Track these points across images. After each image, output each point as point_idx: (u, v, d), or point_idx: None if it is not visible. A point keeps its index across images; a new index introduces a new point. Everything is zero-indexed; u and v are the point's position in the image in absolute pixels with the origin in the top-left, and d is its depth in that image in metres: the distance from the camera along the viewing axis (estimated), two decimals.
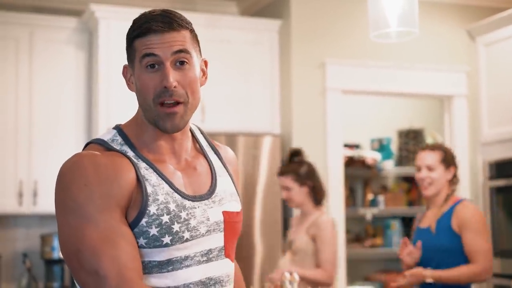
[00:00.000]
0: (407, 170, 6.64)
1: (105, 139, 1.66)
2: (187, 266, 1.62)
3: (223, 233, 1.72)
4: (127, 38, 1.69)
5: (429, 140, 6.70)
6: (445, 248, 3.46)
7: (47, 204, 4.54)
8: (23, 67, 4.67)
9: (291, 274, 3.05)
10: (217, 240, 1.70)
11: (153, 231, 1.58)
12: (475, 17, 5.37)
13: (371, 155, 6.40)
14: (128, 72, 1.72)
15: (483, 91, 5.23)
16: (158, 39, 1.63)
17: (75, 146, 4.62)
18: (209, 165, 1.79)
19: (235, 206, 1.79)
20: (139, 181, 1.59)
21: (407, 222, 6.62)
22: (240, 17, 5.20)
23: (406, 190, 6.69)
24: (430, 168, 3.58)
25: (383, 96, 5.77)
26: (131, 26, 1.69)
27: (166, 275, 1.60)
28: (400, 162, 6.68)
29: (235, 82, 4.89)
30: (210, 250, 1.68)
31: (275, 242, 4.76)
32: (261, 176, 4.77)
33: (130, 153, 1.64)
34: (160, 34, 1.63)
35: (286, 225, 4.86)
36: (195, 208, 1.66)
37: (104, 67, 4.57)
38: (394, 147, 6.73)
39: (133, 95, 1.71)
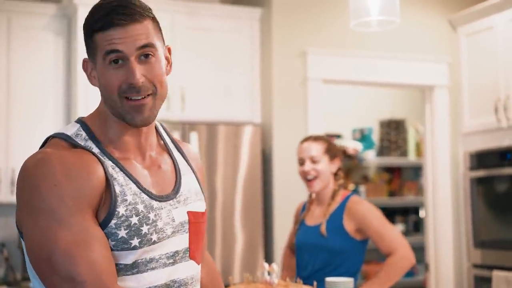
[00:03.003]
0: (388, 160, 6.65)
1: (69, 133, 1.58)
2: (152, 268, 1.57)
3: (188, 234, 1.66)
4: (85, 29, 1.61)
5: (411, 130, 6.72)
6: (336, 250, 3.24)
7: None
8: (1, 53, 4.60)
9: (269, 264, 3.03)
10: (182, 241, 1.65)
11: (122, 233, 1.51)
12: (456, 7, 5.36)
13: (352, 145, 6.40)
14: (89, 66, 1.64)
15: (464, 82, 5.22)
16: (121, 33, 1.55)
17: None
18: (173, 162, 1.73)
19: (200, 206, 1.74)
20: (108, 181, 1.52)
21: (388, 213, 6.63)
22: (220, 5, 5.15)
23: (387, 181, 6.71)
24: (314, 160, 3.31)
25: (365, 86, 5.76)
26: (89, 16, 1.60)
27: (131, 278, 1.54)
28: (381, 152, 6.70)
29: (215, 71, 4.86)
30: (176, 252, 1.63)
31: (256, 231, 4.74)
32: (242, 165, 4.74)
33: (95, 150, 1.56)
34: (122, 28, 1.55)
35: (267, 214, 4.84)
36: (162, 208, 1.60)
37: (82, 54, 4.50)
38: (375, 137, 6.73)
39: None
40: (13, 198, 4.56)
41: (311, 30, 4.98)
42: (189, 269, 1.67)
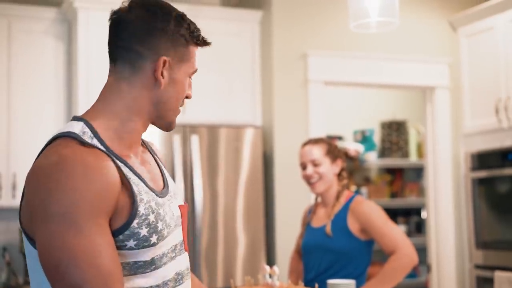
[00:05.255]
0: (390, 161, 6.65)
1: (76, 131, 1.55)
2: (164, 263, 1.59)
3: (181, 227, 1.70)
4: (184, 35, 1.66)
5: (412, 131, 6.72)
6: (341, 250, 3.25)
7: None
8: (1, 58, 4.61)
9: (271, 267, 3.03)
10: (179, 234, 1.68)
11: (143, 231, 1.52)
12: (457, 8, 5.36)
13: (354, 147, 6.40)
14: (166, 65, 1.64)
15: (465, 83, 5.22)
16: None
17: None
18: (155, 159, 1.76)
19: (182, 199, 1.78)
20: (124, 181, 1.52)
21: (390, 214, 6.63)
22: (221, 8, 5.15)
23: (389, 182, 6.71)
24: (315, 163, 3.33)
25: (366, 88, 5.76)
26: (186, 24, 1.68)
27: (150, 275, 1.55)
28: (383, 153, 6.69)
29: (216, 73, 4.86)
30: (175, 245, 1.65)
31: (258, 233, 4.74)
32: (243, 168, 4.74)
33: (102, 148, 1.54)
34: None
35: (268, 217, 4.84)
36: (164, 204, 1.62)
37: (83, 58, 4.52)
38: (377, 138, 6.73)
39: None
40: (14, 203, 4.56)
41: (311, 32, 4.99)
42: (185, 260, 1.71)
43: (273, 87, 4.86)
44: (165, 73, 1.62)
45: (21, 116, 4.63)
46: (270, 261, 4.73)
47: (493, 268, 4.79)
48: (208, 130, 4.69)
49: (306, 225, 3.50)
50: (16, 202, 4.57)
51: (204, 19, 4.86)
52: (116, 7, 1.66)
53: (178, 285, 1.64)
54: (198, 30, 1.70)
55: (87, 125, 1.57)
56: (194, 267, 4.52)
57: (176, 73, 1.64)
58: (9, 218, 4.85)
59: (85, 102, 4.48)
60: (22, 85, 4.64)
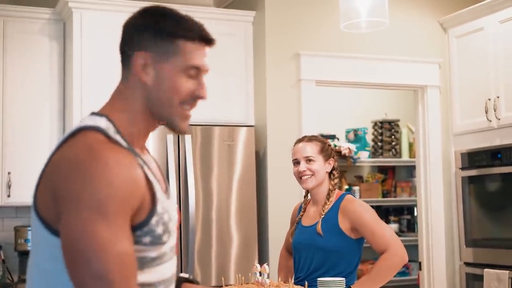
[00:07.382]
0: (382, 160, 6.70)
1: (102, 126, 1.56)
2: (165, 261, 1.62)
3: (175, 230, 1.71)
4: (162, 29, 1.62)
5: (404, 130, 6.77)
6: (332, 249, 3.26)
7: (21, 195, 4.53)
8: None
9: (261, 265, 3.07)
10: (175, 237, 1.70)
11: (159, 229, 1.55)
12: (447, 9, 5.41)
13: (346, 146, 6.44)
14: (145, 60, 1.62)
15: (455, 83, 5.28)
16: (205, 51, 1.68)
17: (49, 137, 4.61)
18: (154, 160, 1.76)
19: (176, 204, 1.82)
20: (146, 179, 1.55)
21: (382, 213, 6.69)
22: (214, 8, 5.19)
23: (381, 181, 6.75)
24: (309, 160, 3.35)
25: (357, 87, 5.80)
26: (172, 19, 1.64)
27: (153, 270, 1.58)
28: (375, 152, 6.74)
29: (209, 73, 4.87)
30: (172, 247, 1.68)
31: (251, 231, 4.78)
32: (237, 166, 4.78)
33: (124, 144, 1.57)
34: (208, 47, 1.68)
35: (261, 215, 4.89)
36: (170, 206, 1.65)
37: (78, 58, 4.55)
38: (369, 137, 6.78)
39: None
40: (9, 201, 4.59)
41: (304, 32, 5.03)
42: (175, 264, 1.72)
43: (266, 87, 4.91)
44: (149, 69, 1.62)
45: (15, 115, 4.65)
46: (263, 259, 4.77)
47: (482, 266, 4.85)
48: (202, 129, 4.72)
49: (297, 223, 3.51)
50: (11, 200, 4.61)
51: (197, 19, 4.90)
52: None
53: (170, 285, 1.66)
54: (194, 25, 1.66)
55: (110, 121, 1.59)
56: (188, 265, 4.57)
57: (162, 69, 1.62)
58: (4, 216, 4.88)
59: (79, 101, 4.51)
60: (17, 84, 4.67)
